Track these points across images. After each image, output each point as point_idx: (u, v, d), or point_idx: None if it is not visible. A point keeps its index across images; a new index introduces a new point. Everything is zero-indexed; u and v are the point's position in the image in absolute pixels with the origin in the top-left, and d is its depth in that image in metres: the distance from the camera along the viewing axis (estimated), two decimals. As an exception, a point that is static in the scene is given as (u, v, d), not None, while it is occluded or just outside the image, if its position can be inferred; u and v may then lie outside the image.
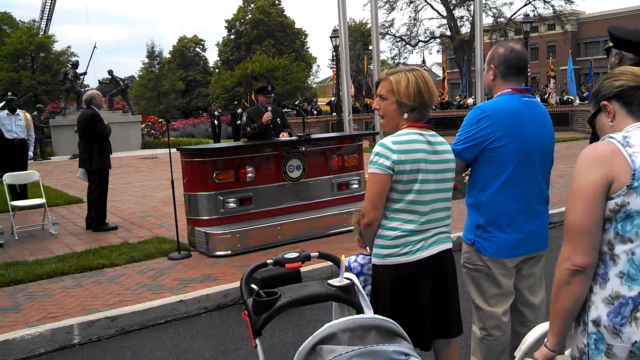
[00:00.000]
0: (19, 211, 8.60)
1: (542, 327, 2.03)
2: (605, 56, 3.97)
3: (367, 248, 2.92)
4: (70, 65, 25.16)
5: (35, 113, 21.31)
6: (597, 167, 1.66)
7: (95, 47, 30.62)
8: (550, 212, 3.11)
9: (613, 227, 1.68)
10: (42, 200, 8.15)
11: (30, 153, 10.50)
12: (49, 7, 47.53)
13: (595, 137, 3.60)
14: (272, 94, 7.73)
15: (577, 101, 28.46)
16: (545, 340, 1.86)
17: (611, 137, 1.70)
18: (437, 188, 2.64)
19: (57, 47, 49.56)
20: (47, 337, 4.44)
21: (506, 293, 2.94)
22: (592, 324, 1.73)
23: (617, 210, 1.65)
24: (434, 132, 2.71)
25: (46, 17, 48.13)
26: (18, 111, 10.00)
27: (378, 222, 2.64)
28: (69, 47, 51.65)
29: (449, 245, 2.73)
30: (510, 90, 2.87)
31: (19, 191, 9.25)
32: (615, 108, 1.79)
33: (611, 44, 3.74)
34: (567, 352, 1.91)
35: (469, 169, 2.98)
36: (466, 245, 2.99)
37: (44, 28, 48.05)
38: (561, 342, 1.82)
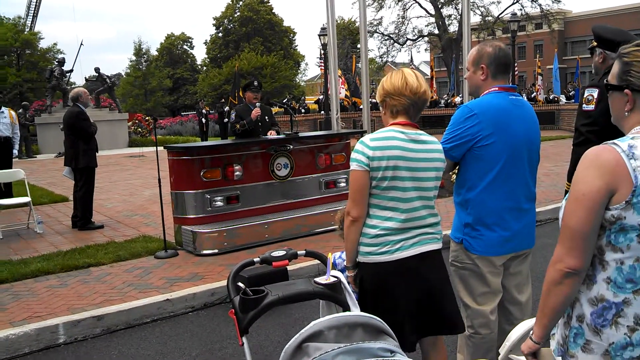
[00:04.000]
0: (4, 210, 8.53)
1: (526, 325, 2.05)
2: (590, 55, 4.00)
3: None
4: (56, 63, 24.98)
5: (20, 111, 21.07)
6: (600, 176, 1.65)
7: (81, 44, 30.39)
8: (537, 210, 3.13)
9: (606, 235, 1.69)
10: (27, 199, 8.07)
11: (15, 151, 10.41)
12: (35, 3, 47.04)
13: (582, 139, 3.63)
14: (260, 89, 7.67)
15: (564, 100, 28.65)
16: (531, 333, 1.89)
17: (616, 145, 1.67)
18: (418, 186, 2.63)
19: (43, 44, 49.16)
20: (32, 336, 4.40)
21: (494, 291, 2.96)
22: (576, 319, 1.77)
23: (612, 222, 1.66)
24: (421, 132, 2.70)
25: (32, 14, 47.62)
26: (3, 109, 9.91)
27: (362, 218, 2.65)
28: (55, 44, 51.35)
29: (435, 246, 2.72)
30: (496, 88, 2.89)
31: (4, 189, 9.18)
32: (637, 103, 1.74)
33: (595, 43, 3.78)
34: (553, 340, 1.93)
35: (457, 168, 2.99)
36: (454, 243, 3.00)
37: (29, 25, 47.53)
38: (546, 336, 1.85)
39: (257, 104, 7.44)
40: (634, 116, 1.75)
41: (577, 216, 1.69)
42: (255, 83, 7.66)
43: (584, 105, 3.67)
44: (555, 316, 1.80)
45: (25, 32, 46.18)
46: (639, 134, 1.70)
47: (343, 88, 27.25)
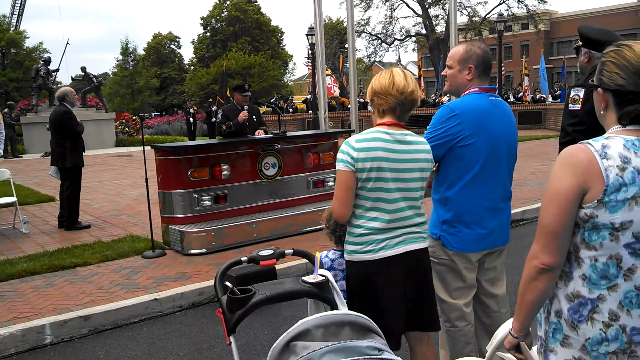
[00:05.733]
0: (-11, 210, 8.44)
1: (512, 322, 2.07)
2: (576, 55, 4.04)
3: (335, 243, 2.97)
4: (42, 62, 24.76)
5: (6, 110, 20.90)
6: (573, 175, 1.68)
7: (68, 43, 30.20)
8: (523, 208, 3.18)
9: (580, 233, 1.73)
10: (12, 199, 7.99)
11: (1, 151, 10.32)
12: (20, 2, 46.57)
13: (568, 138, 3.67)
14: (249, 93, 7.70)
15: (550, 99, 28.88)
16: (510, 327, 1.93)
17: (590, 144, 1.70)
18: (402, 187, 2.64)
19: (29, 43, 48.61)
20: (18, 337, 4.37)
21: (469, 286, 3.05)
22: (555, 314, 1.81)
23: (586, 220, 1.69)
24: (407, 132, 2.72)
25: (17, 13, 47.10)
26: (-12, 108, 9.83)
27: (347, 218, 2.68)
28: (41, 43, 50.34)
29: (421, 245, 2.74)
30: (477, 89, 2.94)
31: (-11, 189, 9.08)
32: (609, 101, 1.77)
33: (581, 43, 3.81)
34: (534, 349, 1.96)
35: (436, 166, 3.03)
36: (431, 239, 3.04)
37: (14, 24, 47.03)
38: (524, 330, 1.89)
39: (245, 106, 7.45)
40: (609, 115, 1.79)
41: (550, 214, 1.73)
42: (246, 87, 7.73)
43: (570, 104, 3.70)
44: (531, 311, 1.84)
45: (10, 31, 45.65)
46: (614, 134, 1.74)
47: (336, 86, 27.30)
